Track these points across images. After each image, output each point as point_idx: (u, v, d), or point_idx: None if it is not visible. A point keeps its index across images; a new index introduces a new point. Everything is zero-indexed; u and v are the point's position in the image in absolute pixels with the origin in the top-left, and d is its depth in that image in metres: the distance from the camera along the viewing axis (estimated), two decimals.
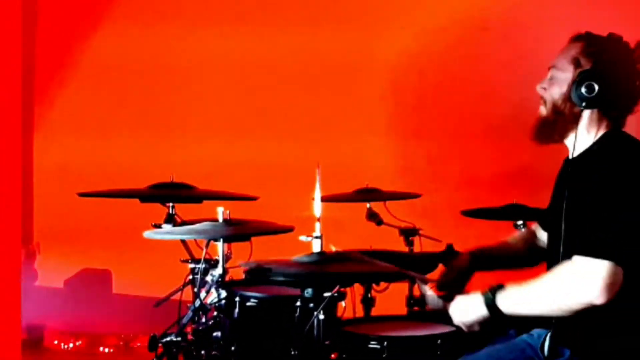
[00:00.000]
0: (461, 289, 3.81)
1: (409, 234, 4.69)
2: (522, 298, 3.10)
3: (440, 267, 4.20)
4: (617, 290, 2.89)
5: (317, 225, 3.54)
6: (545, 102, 3.33)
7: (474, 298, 3.21)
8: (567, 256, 3.09)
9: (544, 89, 3.33)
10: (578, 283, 2.93)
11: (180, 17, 7.35)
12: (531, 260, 3.73)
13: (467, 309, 3.23)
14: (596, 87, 3.14)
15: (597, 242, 2.92)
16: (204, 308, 3.95)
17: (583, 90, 3.15)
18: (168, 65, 7.29)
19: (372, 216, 4.74)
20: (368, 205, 4.86)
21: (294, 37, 6.86)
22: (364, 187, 4.93)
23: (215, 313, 3.97)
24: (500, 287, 3.15)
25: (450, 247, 4.07)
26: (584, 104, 3.17)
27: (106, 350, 6.81)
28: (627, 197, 2.99)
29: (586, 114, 3.23)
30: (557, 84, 3.28)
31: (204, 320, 3.97)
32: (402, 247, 4.71)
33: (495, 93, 6.02)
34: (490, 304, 3.14)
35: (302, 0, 7.09)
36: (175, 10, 7.41)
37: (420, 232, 4.76)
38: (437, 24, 6.50)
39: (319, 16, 6.92)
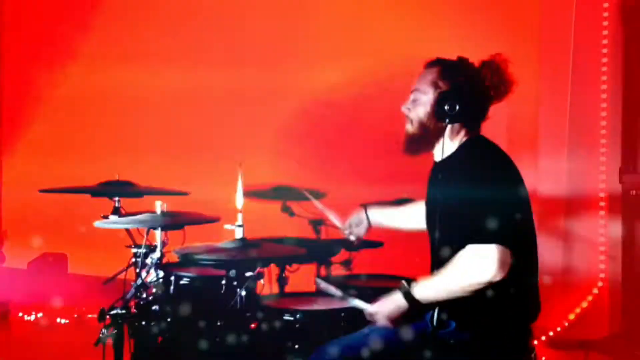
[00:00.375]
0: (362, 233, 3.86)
1: (316, 223, 4.64)
2: (433, 285, 3.04)
3: (343, 251, 4.15)
4: (509, 268, 2.87)
5: (240, 216, 3.52)
6: (411, 121, 3.29)
7: (392, 295, 3.12)
8: (445, 244, 3.11)
9: (409, 109, 3.30)
10: (476, 267, 2.89)
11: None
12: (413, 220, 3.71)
13: (389, 306, 3.12)
14: (454, 105, 3.14)
15: (483, 229, 2.88)
16: (144, 286, 3.89)
17: (445, 108, 3.15)
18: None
19: (286, 209, 4.68)
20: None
21: (220, 69, 6.89)
22: (278, 185, 4.87)
23: (154, 290, 3.91)
24: (413, 281, 3.08)
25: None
26: (447, 120, 3.17)
27: (63, 321, 6.69)
28: (495, 187, 2.98)
29: (448, 126, 3.21)
30: (421, 105, 3.24)
31: (144, 296, 3.90)
32: (311, 234, 4.65)
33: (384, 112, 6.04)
34: (408, 295, 3.05)
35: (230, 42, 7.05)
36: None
37: (327, 222, 4.71)
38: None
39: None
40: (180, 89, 7.06)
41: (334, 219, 4.00)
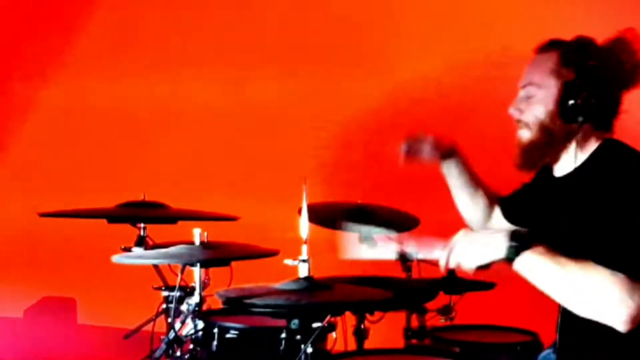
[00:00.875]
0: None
1: (406, 258, 4.67)
2: (546, 274, 2.97)
3: (441, 294, 4.20)
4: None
5: (304, 248, 3.50)
6: (526, 125, 3.31)
7: (496, 239, 3.04)
8: None
9: (520, 110, 3.32)
10: (612, 300, 2.85)
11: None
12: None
13: (484, 249, 3.04)
14: (586, 97, 3.14)
15: (633, 259, 2.87)
16: (178, 340, 3.93)
17: (576, 102, 3.15)
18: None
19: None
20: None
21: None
22: (354, 205, 4.91)
23: (191, 346, 3.96)
24: (529, 241, 2.97)
25: (451, 272, 4.07)
26: (580, 119, 3.17)
27: None
28: None
29: (580, 128, 3.21)
30: (539, 102, 3.27)
31: (178, 354, 3.95)
32: (399, 273, 4.70)
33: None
34: (512, 257, 2.97)
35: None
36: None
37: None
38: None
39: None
40: (224, 93, 7.17)
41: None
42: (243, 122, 7.17)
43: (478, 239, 3.10)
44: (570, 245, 3.11)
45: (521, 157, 3.34)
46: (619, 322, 2.84)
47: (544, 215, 3.39)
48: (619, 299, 2.84)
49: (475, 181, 3.97)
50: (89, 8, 7.80)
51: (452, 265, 3.10)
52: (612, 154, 3.21)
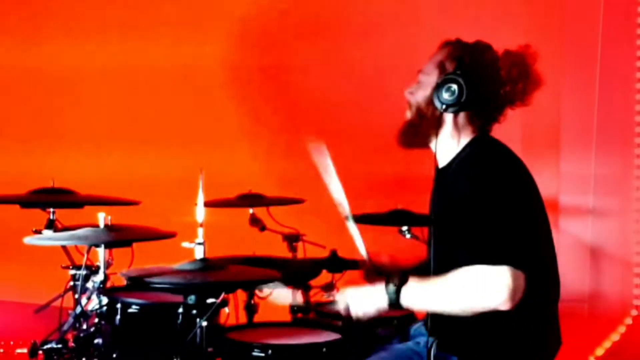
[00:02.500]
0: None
1: (292, 239, 4.67)
2: (426, 297, 3.04)
3: (324, 272, 4.18)
4: (521, 296, 2.87)
5: (200, 231, 3.52)
6: (410, 106, 3.35)
7: (376, 290, 3.11)
8: (445, 260, 3.10)
9: (411, 93, 3.36)
10: (482, 290, 2.89)
11: (55, 27, 7.37)
12: None
13: (367, 300, 3.14)
14: (456, 89, 3.16)
15: (493, 249, 2.90)
16: (85, 315, 3.92)
17: (444, 93, 3.18)
18: (46, 73, 7.22)
19: (255, 222, 4.72)
20: (251, 210, 4.82)
21: (176, 49, 6.89)
22: (246, 193, 4.90)
23: (96, 320, 3.89)
24: (404, 280, 3.06)
25: (334, 253, 4.05)
26: (443, 107, 3.19)
27: None
28: (507, 202, 3.00)
29: (449, 118, 3.26)
30: (422, 88, 3.31)
31: (85, 327, 3.92)
32: (286, 253, 4.69)
33: (375, 104, 6.06)
34: (394, 298, 3.05)
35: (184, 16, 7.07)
36: (50, 21, 7.39)
37: (304, 238, 4.74)
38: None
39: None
40: (130, 64, 7.06)
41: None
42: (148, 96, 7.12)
43: (362, 295, 3.18)
44: (442, 231, 3.15)
45: (399, 134, 3.39)
46: (501, 305, 2.87)
47: (432, 204, 3.41)
48: (490, 288, 2.88)
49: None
50: None
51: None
52: (474, 150, 3.23)
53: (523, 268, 2.88)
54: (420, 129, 3.31)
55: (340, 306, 3.25)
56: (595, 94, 6.00)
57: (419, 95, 3.30)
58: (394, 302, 3.05)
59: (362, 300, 3.16)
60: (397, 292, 3.04)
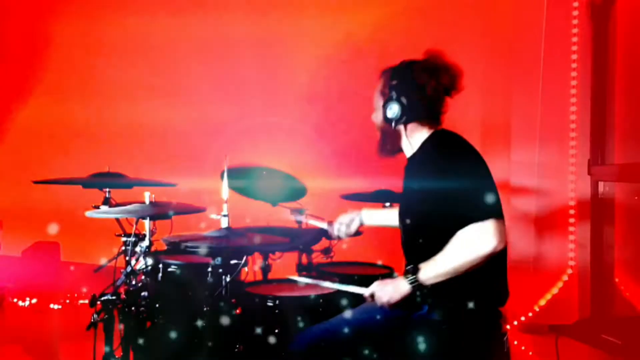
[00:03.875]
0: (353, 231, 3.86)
1: (298, 213, 4.65)
2: (439, 268, 3.05)
3: (323, 240, 4.18)
4: (506, 237, 2.97)
5: (225, 206, 3.57)
6: (377, 128, 3.39)
7: (396, 281, 3.15)
8: (421, 231, 3.17)
9: (374, 118, 3.40)
10: (480, 241, 2.95)
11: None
12: None
13: (392, 290, 3.14)
14: (396, 108, 3.24)
15: (478, 207, 2.96)
16: (134, 273, 3.92)
17: (388, 113, 3.26)
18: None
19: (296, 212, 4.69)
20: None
21: (208, 58, 6.86)
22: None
23: (143, 277, 3.93)
24: (416, 268, 3.10)
25: (330, 223, 4.04)
26: (394, 122, 3.27)
27: (55, 307, 6.69)
28: (473, 169, 3.06)
29: (402, 127, 3.30)
30: (377, 112, 3.36)
31: (134, 282, 3.93)
32: (293, 224, 4.68)
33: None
34: (414, 282, 3.08)
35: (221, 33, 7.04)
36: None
37: (307, 211, 4.73)
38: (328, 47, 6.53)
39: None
40: (161, 77, 7.06)
41: (317, 223, 4.03)
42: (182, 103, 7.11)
43: (388, 287, 3.17)
44: (418, 207, 3.17)
45: (377, 150, 3.42)
46: (497, 248, 2.95)
47: (405, 187, 3.41)
48: (484, 240, 2.95)
49: (389, 213, 3.87)
50: None
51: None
52: (436, 139, 3.25)
53: (501, 215, 2.97)
54: (387, 141, 3.36)
55: (368, 297, 3.25)
56: (538, 98, 6.00)
57: (377, 117, 3.36)
58: (416, 285, 3.08)
59: (388, 290, 3.16)
60: (416, 280, 3.08)
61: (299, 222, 4.58)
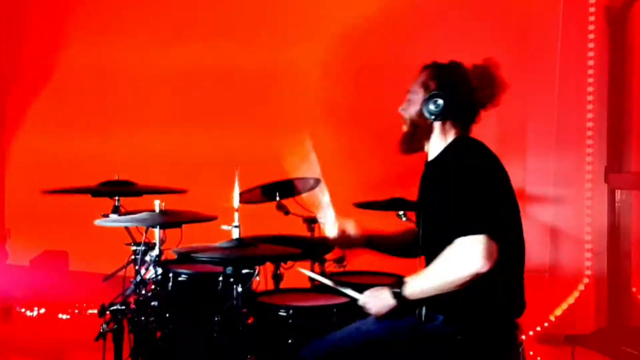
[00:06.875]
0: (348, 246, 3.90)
1: (311, 222, 4.65)
2: (422, 284, 3.07)
3: (336, 248, 4.18)
4: (496, 258, 2.89)
5: (236, 215, 3.55)
6: (405, 121, 3.37)
7: (381, 291, 3.19)
8: (435, 242, 3.12)
9: (404, 109, 3.37)
10: (462, 259, 2.91)
11: (119, 33, 7.36)
12: (413, 251, 3.65)
13: (377, 302, 3.20)
14: (440, 102, 3.21)
15: (467, 222, 2.92)
16: (143, 282, 3.91)
17: (431, 106, 3.22)
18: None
19: (281, 207, 4.69)
20: (277, 198, 4.81)
21: (216, 48, 6.87)
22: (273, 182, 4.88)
23: (153, 286, 3.92)
24: (402, 280, 3.13)
25: (343, 232, 4.04)
26: (433, 117, 3.24)
27: (64, 317, 6.71)
28: (477, 181, 3.03)
29: (437, 125, 3.28)
30: (412, 104, 3.33)
31: (144, 292, 3.92)
32: (305, 233, 4.68)
33: (383, 108, 6.05)
34: (398, 295, 3.10)
35: (223, 16, 7.01)
36: (115, 27, 7.41)
37: (320, 220, 4.73)
38: (342, 32, 6.51)
39: (240, 29, 6.92)
40: (175, 72, 7.06)
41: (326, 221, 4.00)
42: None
43: (375, 297, 3.22)
44: (431, 215, 3.17)
45: (400, 145, 3.39)
46: (480, 269, 2.89)
47: (421, 193, 3.41)
48: (466, 256, 2.90)
49: (394, 236, 3.91)
50: None
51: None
52: (457, 145, 3.25)
53: (495, 238, 2.90)
54: (416, 137, 3.33)
55: (361, 304, 3.28)
56: (555, 103, 5.99)
57: (411, 110, 3.33)
58: (400, 298, 3.10)
59: (375, 301, 3.21)
60: (400, 289, 3.10)
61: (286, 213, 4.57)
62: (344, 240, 3.84)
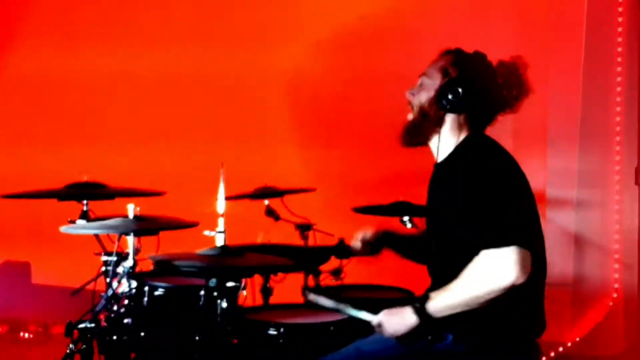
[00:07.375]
0: (369, 253, 3.84)
1: (304, 228, 4.67)
2: (448, 298, 3.00)
3: (332, 259, 4.17)
4: (530, 270, 2.87)
5: (221, 221, 3.52)
6: (412, 107, 3.32)
7: (403, 311, 3.08)
8: (447, 250, 3.12)
9: (413, 94, 3.33)
10: (497, 272, 2.87)
11: (92, 35, 7.34)
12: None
13: (398, 321, 3.09)
14: (460, 92, 3.16)
15: (498, 232, 2.89)
16: (115, 297, 3.92)
17: (449, 94, 3.17)
18: (81, 79, 7.24)
19: (270, 213, 4.71)
20: (266, 202, 4.83)
21: (198, 53, 6.86)
22: (262, 187, 4.90)
23: (126, 301, 3.92)
24: (426, 296, 3.06)
25: (341, 241, 4.04)
26: (448, 107, 3.19)
27: (27, 335, 6.71)
28: (504, 189, 3.00)
29: (449, 118, 3.23)
30: (425, 90, 3.27)
31: (115, 308, 3.92)
32: (298, 241, 4.68)
33: (381, 103, 6.05)
34: (421, 312, 3.02)
35: (203, 20, 7.01)
36: (88, 29, 7.39)
37: (314, 227, 4.74)
38: (324, 37, 6.52)
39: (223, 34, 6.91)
40: (150, 72, 7.05)
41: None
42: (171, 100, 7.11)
43: (394, 317, 3.12)
44: (444, 222, 3.15)
45: (402, 134, 3.34)
46: (516, 281, 2.86)
47: (431, 198, 3.38)
48: (501, 269, 2.87)
49: (413, 237, 3.90)
50: None
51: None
52: (471, 146, 3.21)
53: (527, 246, 2.88)
54: (422, 127, 3.28)
55: (375, 326, 3.18)
56: (579, 96, 5.98)
57: (422, 96, 3.27)
58: (423, 317, 3.02)
59: (393, 320, 3.12)
60: (423, 310, 3.02)
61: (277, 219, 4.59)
62: (366, 249, 3.82)
